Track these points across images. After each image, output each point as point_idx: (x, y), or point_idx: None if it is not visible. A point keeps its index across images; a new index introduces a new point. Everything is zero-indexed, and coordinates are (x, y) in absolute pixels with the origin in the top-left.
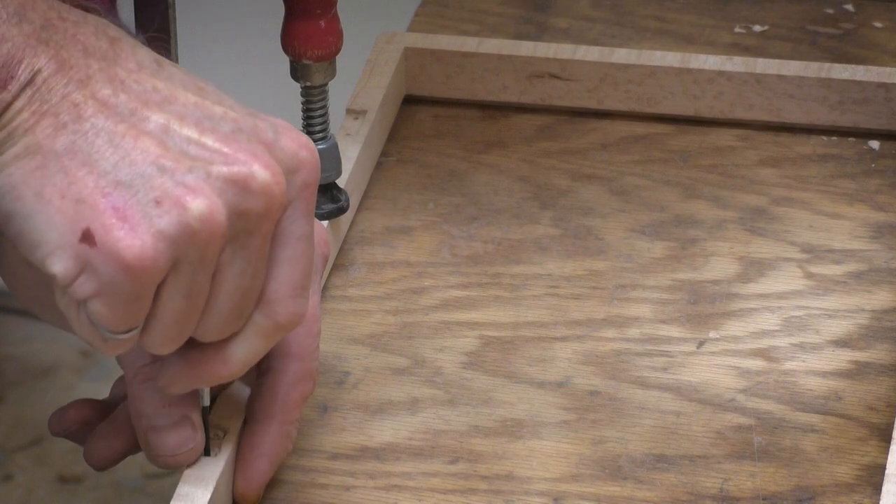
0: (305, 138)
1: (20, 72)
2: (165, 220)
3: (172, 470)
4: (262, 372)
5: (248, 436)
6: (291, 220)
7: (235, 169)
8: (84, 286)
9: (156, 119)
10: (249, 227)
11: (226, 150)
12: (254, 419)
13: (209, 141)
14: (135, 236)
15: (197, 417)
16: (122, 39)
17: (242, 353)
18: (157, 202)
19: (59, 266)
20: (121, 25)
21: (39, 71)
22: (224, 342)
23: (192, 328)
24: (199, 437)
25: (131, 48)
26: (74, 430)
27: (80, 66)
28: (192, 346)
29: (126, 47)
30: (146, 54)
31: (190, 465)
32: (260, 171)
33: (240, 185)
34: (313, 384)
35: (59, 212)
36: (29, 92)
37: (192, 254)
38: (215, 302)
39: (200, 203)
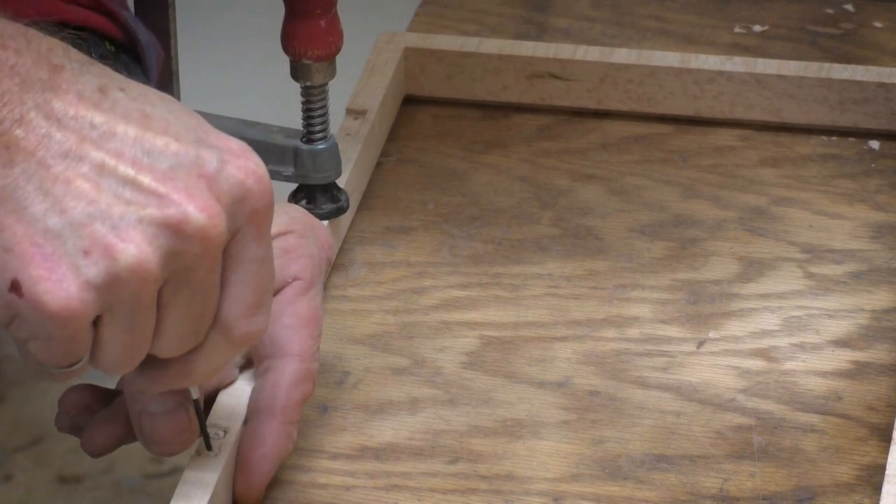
0: (255, 164)
1: None
2: (93, 271)
3: (167, 457)
4: (262, 371)
5: (249, 436)
6: (242, 245)
7: (169, 212)
8: (18, 331)
9: (91, 158)
10: (188, 265)
11: (161, 190)
12: (254, 419)
13: (145, 181)
14: (61, 288)
15: (192, 406)
16: (65, 67)
17: (204, 365)
18: (86, 252)
19: None
20: (126, 18)
21: None
22: (186, 354)
23: (144, 353)
24: (193, 425)
25: (74, 76)
26: (75, 414)
27: (14, 103)
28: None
29: (68, 76)
30: (89, 82)
31: (183, 451)
32: (194, 214)
33: (173, 229)
34: (313, 384)
35: None
36: None
37: (125, 299)
38: (164, 330)
39: (130, 252)
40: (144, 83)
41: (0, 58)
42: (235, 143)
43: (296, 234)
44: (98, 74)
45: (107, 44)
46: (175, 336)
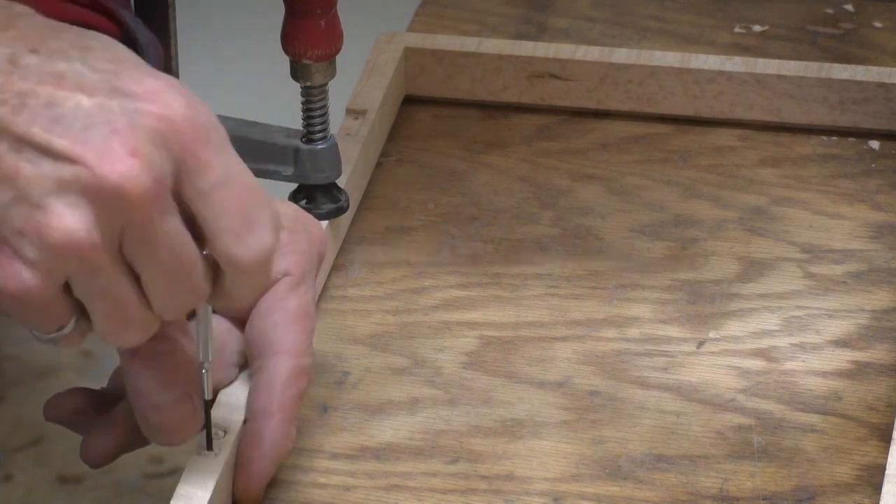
0: (172, 98)
1: None
2: (31, 251)
3: (174, 446)
4: (255, 370)
5: (248, 435)
6: (190, 180)
7: (84, 178)
8: None
9: (7, 135)
10: (129, 222)
11: (75, 153)
12: (253, 418)
13: (59, 146)
14: (10, 271)
15: (197, 397)
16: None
17: (241, 297)
18: (21, 233)
19: None
20: (125, 17)
21: None
22: (219, 293)
23: (141, 315)
24: (199, 414)
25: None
26: (67, 417)
27: None
28: None
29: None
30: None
31: (190, 439)
32: (108, 176)
33: (91, 195)
34: (308, 380)
35: None
36: None
37: (77, 269)
38: (148, 288)
39: (55, 227)
40: None
41: None
42: (153, 82)
43: (285, 230)
44: (8, 43)
45: None
46: (163, 291)
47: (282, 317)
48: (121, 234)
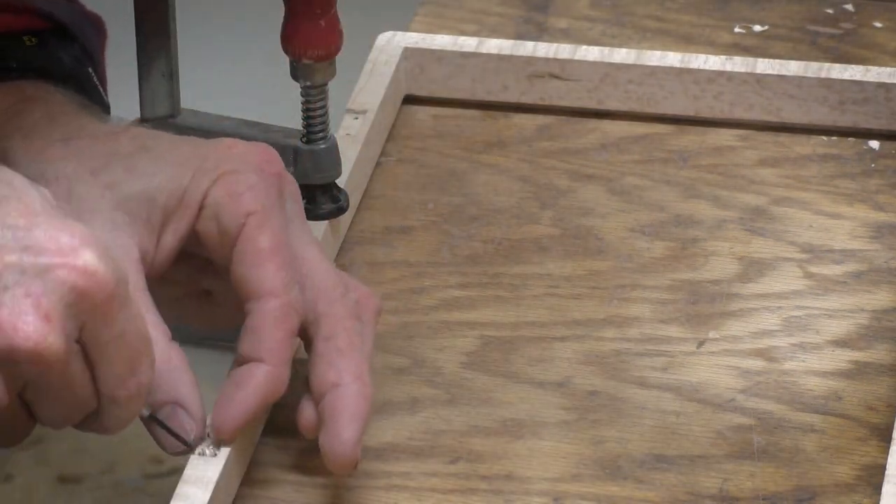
0: (83, 261)
1: None
2: None
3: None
4: (246, 315)
5: (234, 377)
6: (93, 333)
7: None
8: None
9: None
10: (34, 377)
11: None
12: (242, 362)
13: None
14: None
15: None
16: None
17: (113, 424)
18: None
19: None
20: (38, 3)
21: None
22: (94, 416)
23: (30, 429)
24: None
25: None
26: None
27: None
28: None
29: None
30: None
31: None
32: (21, 342)
33: (5, 358)
34: (297, 318)
35: None
36: None
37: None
38: (40, 417)
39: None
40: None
41: None
42: (66, 239)
43: (228, 173)
44: None
45: (25, 39)
46: (50, 420)
47: (255, 258)
48: (28, 382)
